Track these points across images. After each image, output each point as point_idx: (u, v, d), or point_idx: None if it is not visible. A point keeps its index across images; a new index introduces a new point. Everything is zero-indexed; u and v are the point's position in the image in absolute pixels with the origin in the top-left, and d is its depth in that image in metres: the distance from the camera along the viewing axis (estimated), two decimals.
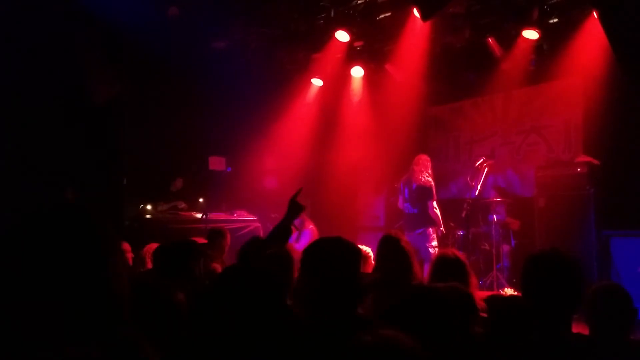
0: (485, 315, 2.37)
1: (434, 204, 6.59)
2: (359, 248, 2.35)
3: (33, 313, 1.04)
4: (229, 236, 5.36)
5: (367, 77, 8.60)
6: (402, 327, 1.68)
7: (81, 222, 1.13)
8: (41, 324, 1.04)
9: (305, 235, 7.55)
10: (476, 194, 6.75)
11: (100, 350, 1.04)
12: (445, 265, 3.31)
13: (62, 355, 1.00)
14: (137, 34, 6.69)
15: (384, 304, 2.41)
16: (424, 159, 6.84)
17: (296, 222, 7.38)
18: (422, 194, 6.59)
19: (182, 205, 7.93)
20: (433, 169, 6.92)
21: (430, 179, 6.66)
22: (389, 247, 3.58)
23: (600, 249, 5.88)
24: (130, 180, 7.98)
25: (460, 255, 3.42)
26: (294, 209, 3.23)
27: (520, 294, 2.47)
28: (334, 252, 2.21)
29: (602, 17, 5.85)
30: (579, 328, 2.34)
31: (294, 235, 7.26)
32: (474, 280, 3.36)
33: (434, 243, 6.49)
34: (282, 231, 3.20)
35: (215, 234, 5.24)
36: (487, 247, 7.11)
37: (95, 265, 1.10)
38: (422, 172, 6.71)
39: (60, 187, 6.74)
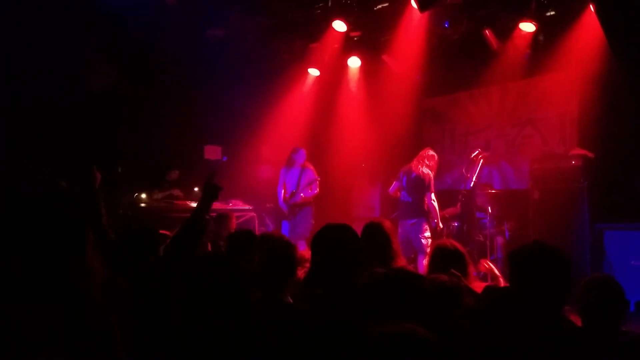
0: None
1: (432, 196, 6.60)
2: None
3: None
4: (234, 219, 5.91)
5: (363, 68, 8.58)
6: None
7: (49, 211, 1.09)
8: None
9: (306, 173, 7.50)
10: (471, 185, 6.77)
11: (65, 352, 1.01)
12: (444, 256, 3.33)
13: None
14: (133, 21, 6.64)
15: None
16: (428, 154, 6.84)
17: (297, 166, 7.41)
18: (419, 185, 6.62)
19: (178, 193, 7.92)
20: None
21: (429, 172, 6.67)
22: (369, 231, 3.61)
23: (593, 241, 5.92)
24: (125, 168, 7.95)
25: (459, 245, 3.43)
26: (210, 192, 2.99)
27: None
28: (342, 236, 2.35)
29: (598, 11, 5.86)
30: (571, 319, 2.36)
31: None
32: (472, 270, 3.38)
33: (427, 234, 6.51)
34: (197, 223, 2.92)
35: (222, 217, 5.83)
36: (482, 239, 7.14)
37: (58, 261, 1.05)
38: (422, 163, 6.72)
39: (53, 176, 6.71)
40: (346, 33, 7.62)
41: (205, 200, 2.98)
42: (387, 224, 3.68)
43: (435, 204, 6.61)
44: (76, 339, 1.07)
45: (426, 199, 6.54)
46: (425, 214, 6.59)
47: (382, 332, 1.43)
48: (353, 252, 2.38)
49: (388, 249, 3.51)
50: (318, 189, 7.46)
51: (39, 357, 1.00)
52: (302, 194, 7.37)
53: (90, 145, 7.15)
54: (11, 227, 1.07)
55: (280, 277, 2.64)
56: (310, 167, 7.51)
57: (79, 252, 1.12)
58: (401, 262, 3.51)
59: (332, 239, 2.43)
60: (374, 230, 3.59)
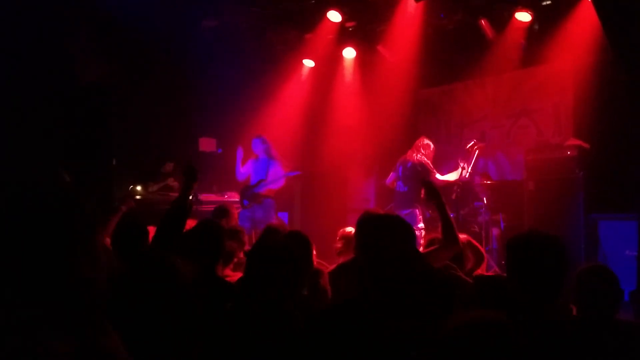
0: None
1: (437, 175, 6.78)
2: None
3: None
4: (235, 212, 5.80)
5: (358, 59, 8.55)
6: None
7: (56, 201, 1.08)
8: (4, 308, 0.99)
9: (273, 166, 7.32)
10: (467, 176, 6.77)
11: (67, 341, 1.00)
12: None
13: (25, 348, 0.96)
14: (125, 13, 6.59)
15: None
16: (423, 143, 6.99)
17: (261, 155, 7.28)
18: (415, 173, 6.67)
19: (173, 182, 7.89)
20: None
21: (424, 158, 6.82)
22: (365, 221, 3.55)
23: (588, 231, 5.94)
24: (120, 161, 7.92)
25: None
26: (189, 175, 3.15)
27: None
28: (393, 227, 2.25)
29: (595, 0, 5.83)
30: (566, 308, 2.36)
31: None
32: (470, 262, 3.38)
33: (420, 225, 6.55)
34: (180, 208, 3.06)
35: (222, 211, 5.64)
36: (477, 230, 7.14)
37: (65, 246, 1.04)
38: (417, 152, 6.89)
39: (48, 168, 6.68)
40: (341, 23, 7.59)
41: (186, 183, 3.13)
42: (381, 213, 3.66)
43: (447, 176, 6.83)
44: (82, 329, 1.07)
45: (435, 181, 6.47)
46: (419, 204, 6.62)
47: (465, 322, 1.43)
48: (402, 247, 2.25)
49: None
50: (283, 183, 7.37)
51: (42, 345, 0.99)
52: (268, 187, 7.23)
53: (82, 137, 7.13)
54: (19, 218, 1.06)
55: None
56: (279, 160, 7.38)
57: (87, 241, 1.11)
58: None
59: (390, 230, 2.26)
60: (369, 220, 3.56)
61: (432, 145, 6.98)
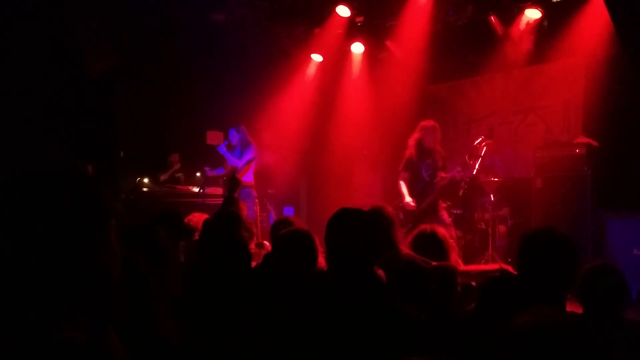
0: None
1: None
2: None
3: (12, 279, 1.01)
4: (244, 205, 5.86)
5: (367, 54, 8.53)
6: None
7: (72, 189, 1.08)
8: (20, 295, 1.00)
9: (248, 151, 7.45)
10: (474, 173, 6.74)
11: (79, 331, 1.00)
12: (423, 241, 3.34)
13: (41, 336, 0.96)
14: (134, 4, 6.60)
15: None
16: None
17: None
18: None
19: (179, 174, 7.95)
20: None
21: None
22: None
23: (596, 230, 5.90)
24: (127, 153, 7.95)
25: (440, 231, 3.44)
26: (232, 185, 4.16)
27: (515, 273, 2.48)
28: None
29: None
30: (572, 307, 2.35)
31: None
32: (453, 256, 3.40)
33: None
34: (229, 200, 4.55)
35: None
36: (483, 227, 7.13)
37: (81, 235, 1.05)
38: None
39: (56, 159, 6.71)
40: (350, 18, 7.56)
41: (229, 191, 4.24)
42: (389, 209, 3.63)
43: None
44: (95, 314, 1.09)
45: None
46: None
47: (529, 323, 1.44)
48: (370, 238, 2.33)
49: (391, 235, 3.45)
50: (246, 177, 7.36)
51: (58, 330, 1.01)
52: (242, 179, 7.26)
53: (90, 129, 7.15)
54: (43, 206, 1.07)
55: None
56: (250, 149, 7.44)
57: (102, 227, 1.12)
58: (404, 249, 3.48)
59: (348, 224, 2.35)
60: (377, 216, 3.50)
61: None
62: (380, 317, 2.09)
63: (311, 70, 8.84)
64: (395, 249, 3.37)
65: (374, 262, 2.36)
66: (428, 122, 6.46)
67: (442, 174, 6.26)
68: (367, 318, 2.08)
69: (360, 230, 2.31)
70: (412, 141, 6.39)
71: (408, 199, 6.16)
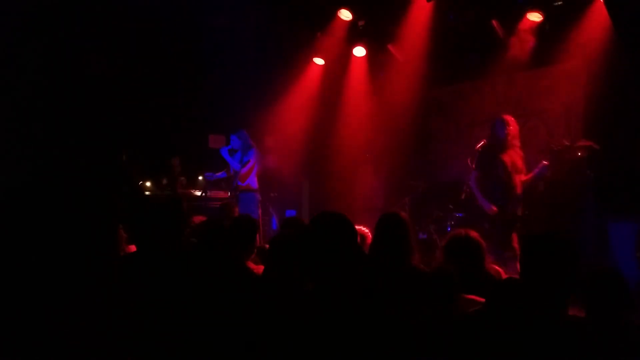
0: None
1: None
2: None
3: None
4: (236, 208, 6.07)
5: (369, 58, 8.54)
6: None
7: (89, 193, 1.10)
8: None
9: (249, 155, 7.49)
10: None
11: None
12: (458, 245, 3.32)
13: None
14: (135, 5, 6.61)
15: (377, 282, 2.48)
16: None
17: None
18: None
19: (181, 177, 7.97)
20: (433, 150, 6.89)
21: None
22: (385, 223, 3.40)
23: (598, 233, 5.90)
24: (130, 156, 7.95)
25: (474, 234, 3.39)
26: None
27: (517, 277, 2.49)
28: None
29: (607, 1, 5.80)
30: (575, 311, 2.36)
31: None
32: (488, 259, 3.37)
33: None
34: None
35: (228, 207, 5.93)
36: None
37: (113, 228, 1.07)
38: None
39: (55, 164, 6.70)
40: (352, 22, 7.58)
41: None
42: (404, 215, 3.47)
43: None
44: (105, 301, 1.11)
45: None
46: None
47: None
48: (351, 244, 2.34)
49: (405, 243, 3.30)
50: (251, 182, 7.41)
51: (72, 315, 1.03)
52: (246, 183, 7.29)
53: (90, 132, 7.15)
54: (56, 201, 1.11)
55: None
56: (252, 154, 7.46)
57: (110, 221, 1.16)
58: (415, 259, 3.34)
59: (327, 228, 2.32)
60: (391, 222, 3.37)
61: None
62: (373, 322, 2.10)
63: (313, 74, 8.86)
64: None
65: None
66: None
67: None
68: (365, 321, 2.09)
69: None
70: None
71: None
